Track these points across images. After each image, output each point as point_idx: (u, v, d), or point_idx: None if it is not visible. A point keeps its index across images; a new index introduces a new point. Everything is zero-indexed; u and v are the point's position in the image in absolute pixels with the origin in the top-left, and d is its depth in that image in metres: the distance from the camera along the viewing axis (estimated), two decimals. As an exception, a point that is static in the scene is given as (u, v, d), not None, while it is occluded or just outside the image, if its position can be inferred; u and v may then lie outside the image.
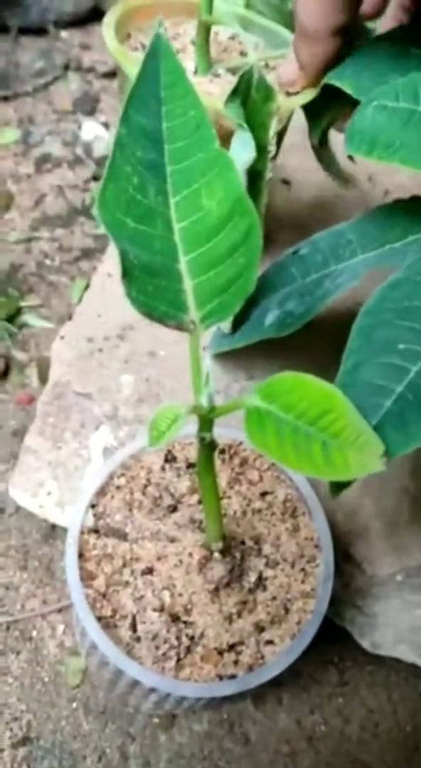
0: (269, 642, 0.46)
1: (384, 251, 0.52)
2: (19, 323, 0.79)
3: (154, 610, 0.45)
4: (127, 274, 0.34)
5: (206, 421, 0.36)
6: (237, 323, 0.55)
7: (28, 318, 0.79)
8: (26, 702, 0.58)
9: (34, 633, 0.61)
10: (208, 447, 0.38)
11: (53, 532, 0.65)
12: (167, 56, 0.35)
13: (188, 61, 0.57)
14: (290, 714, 0.60)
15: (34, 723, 0.57)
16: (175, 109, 0.35)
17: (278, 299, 0.54)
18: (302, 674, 0.62)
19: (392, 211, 0.54)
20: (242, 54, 0.60)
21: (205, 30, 0.55)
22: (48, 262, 0.85)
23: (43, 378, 0.73)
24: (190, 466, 0.50)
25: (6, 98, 1.01)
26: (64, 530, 0.60)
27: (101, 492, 0.49)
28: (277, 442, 0.32)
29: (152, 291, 0.35)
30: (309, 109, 0.55)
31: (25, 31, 1.08)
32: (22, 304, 0.80)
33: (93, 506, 0.49)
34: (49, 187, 0.92)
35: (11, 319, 0.78)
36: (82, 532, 0.48)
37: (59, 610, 0.62)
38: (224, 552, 0.46)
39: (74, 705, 0.58)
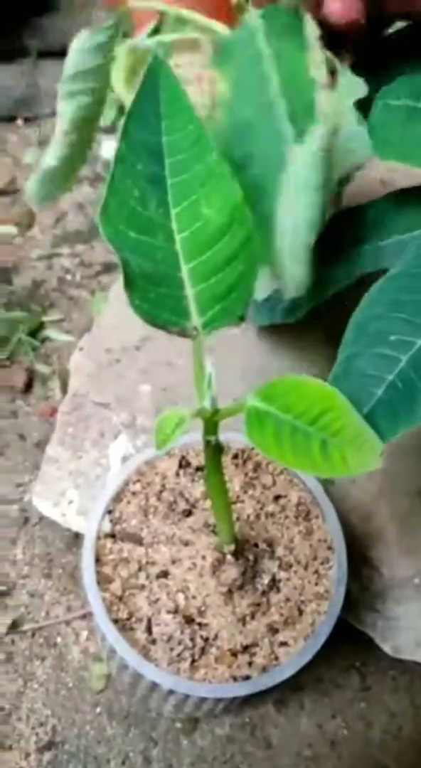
0: (283, 643, 0.47)
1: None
2: (41, 337, 0.80)
3: (169, 612, 0.46)
4: (129, 283, 0.35)
5: (211, 423, 0.37)
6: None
7: (50, 332, 0.81)
8: (51, 707, 0.59)
9: (59, 639, 0.62)
10: (214, 449, 0.39)
11: (76, 540, 0.66)
12: (165, 74, 0.36)
13: None
14: (312, 718, 0.60)
15: (58, 728, 0.58)
16: (175, 123, 0.36)
17: None
18: (324, 679, 0.62)
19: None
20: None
21: None
22: (69, 277, 0.87)
23: (66, 390, 0.74)
24: (199, 469, 0.51)
25: (27, 120, 1.03)
26: (86, 538, 0.61)
27: (117, 498, 0.51)
28: (275, 442, 0.33)
29: (155, 299, 0.36)
30: None
31: (44, 54, 1.11)
32: (45, 319, 0.82)
33: (109, 512, 0.50)
34: (70, 205, 0.94)
35: (34, 333, 0.80)
36: (98, 537, 0.49)
37: (83, 617, 0.63)
38: (237, 554, 0.47)
39: (98, 710, 0.59)
